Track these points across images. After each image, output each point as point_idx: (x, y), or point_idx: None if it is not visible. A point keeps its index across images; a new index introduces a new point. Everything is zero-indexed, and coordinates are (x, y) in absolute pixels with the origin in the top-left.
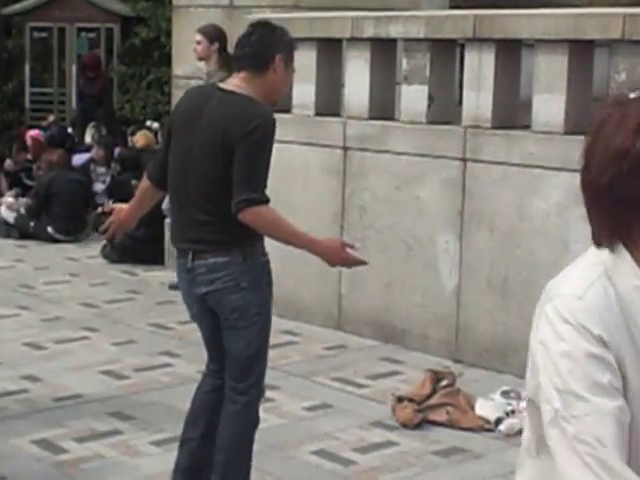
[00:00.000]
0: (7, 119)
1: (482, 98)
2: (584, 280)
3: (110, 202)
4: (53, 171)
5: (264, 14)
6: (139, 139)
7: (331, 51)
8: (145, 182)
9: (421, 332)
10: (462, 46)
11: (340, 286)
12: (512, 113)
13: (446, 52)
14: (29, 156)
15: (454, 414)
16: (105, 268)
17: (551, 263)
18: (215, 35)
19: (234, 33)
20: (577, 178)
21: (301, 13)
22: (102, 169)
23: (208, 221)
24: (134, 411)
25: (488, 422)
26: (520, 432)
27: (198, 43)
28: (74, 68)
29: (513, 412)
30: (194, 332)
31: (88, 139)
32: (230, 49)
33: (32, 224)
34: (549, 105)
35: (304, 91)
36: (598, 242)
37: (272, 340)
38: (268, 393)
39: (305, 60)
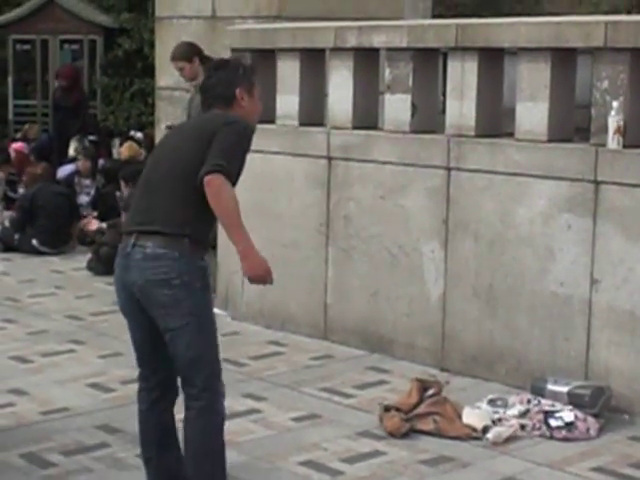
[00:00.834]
0: None
1: (465, 107)
2: None
3: (94, 214)
4: (37, 184)
5: (247, 25)
6: (124, 150)
7: (314, 61)
8: None
9: (407, 341)
10: (445, 55)
11: (326, 296)
12: (495, 121)
13: (429, 61)
14: (12, 169)
15: (441, 423)
16: (90, 280)
17: (536, 271)
18: (191, 52)
19: (217, 44)
20: (561, 186)
21: (284, 24)
22: (87, 181)
23: (162, 205)
24: (121, 424)
25: (475, 430)
26: (507, 440)
27: (181, 69)
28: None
29: (500, 420)
30: None
31: (72, 152)
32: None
33: (17, 237)
34: (532, 113)
35: (288, 101)
36: None
37: (258, 351)
38: (255, 404)
39: (288, 71)
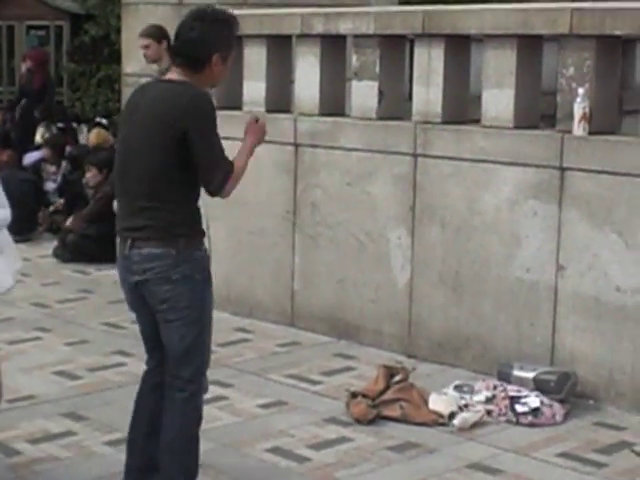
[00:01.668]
0: None
1: (432, 93)
2: None
3: (61, 201)
4: (3, 171)
5: None
6: (92, 137)
7: (281, 48)
8: None
9: (374, 327)
10: (412, 42)
11: (293, 283)
12: (462, 108)
13: (396, 48)
14: None
15: (408, 409)
16: (57, 267)
17: (502, 257)
18: (161, 34)
19: None
20: (527, 172)
21: (250, 10)
22: (52, 168)
23: (147, 208)
24: (87, 411)
25: (442, 416)
26: (474, 426)
27: (146, 47)
28: (23, 66)
29: (467, 406)
30: None
31: (39, 138)
32: None
33: None
34: (498, 100)
35: (254, 88)
36: None
37: (225, 337)
38: (222, 391)
39: (255, 57)
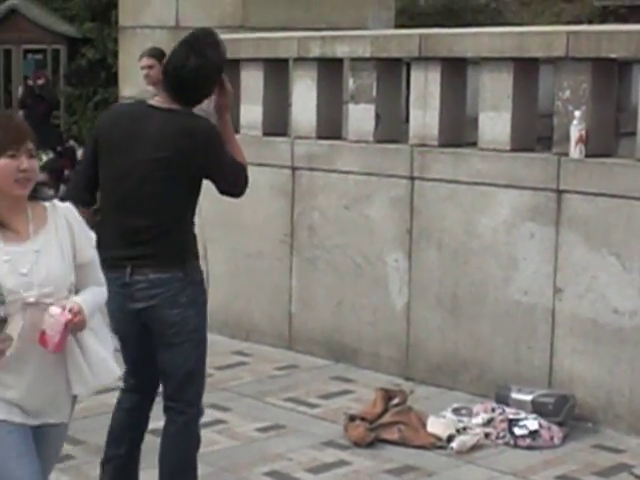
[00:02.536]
0: None
1: (429, 116)
2: None
3: None
4: None
5: None
6: None
7: (278, 71)
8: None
9: (372, 350)
10: (408, 65)
11: (290, 306)
12: (459, 131)
13: (392, 71)
14: None
15: (406, 432)
16: None
17: (500, 280)
18: (163, 55)
19: None
20: (524, 195)
21: (247, 34)
22: (50, 192)
23: (150, 237)
24: (86, 435)
25: (440, 439)
26: (472, 449)
27: (150, 67)
28: (20, 89)
29: (465, 429)
30: None
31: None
32: None
33: None
34: (495, 123)
35: (251, 111)
36: None
37: (223, 361)
38: (219, 414)
39: (252, 80)
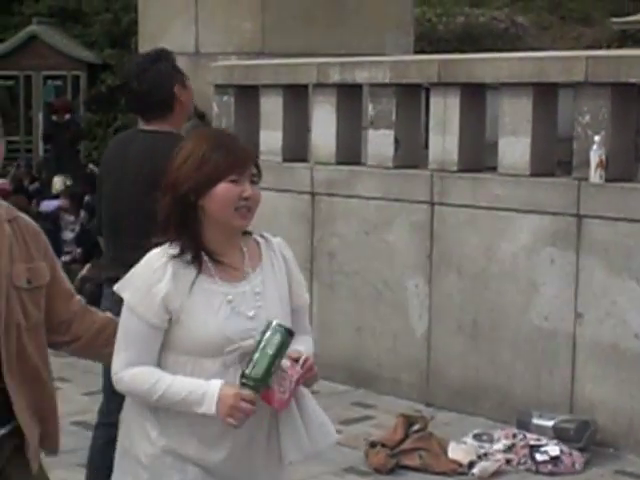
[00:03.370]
0: None
1: (448, 142)
2: None
3: (79, 250)
4: None
5: (230, 61)
6: None
7: (297, 97)
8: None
9: (392, 376)
10: (427, 90)
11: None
12: (478, 156)
13: (411, 96)
14: None
15: (427, 458)
16: None
17: (520, 305)
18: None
19: (200, 80)
20: (544, 220)
21: (267, 60)
22: (71, 218)
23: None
24: None
25: (461, 465)
26: (494, 475)
27: None
28: (40, 116)
29: (486, 455)
30: None
31: (57, 188)
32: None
33: None
34: (515, 147)
35: (271, 137)
36: None
37: None
38: None
39: (271, 106)
